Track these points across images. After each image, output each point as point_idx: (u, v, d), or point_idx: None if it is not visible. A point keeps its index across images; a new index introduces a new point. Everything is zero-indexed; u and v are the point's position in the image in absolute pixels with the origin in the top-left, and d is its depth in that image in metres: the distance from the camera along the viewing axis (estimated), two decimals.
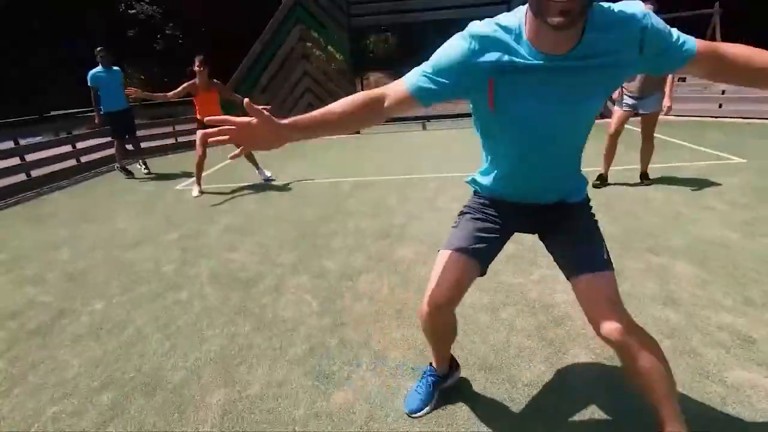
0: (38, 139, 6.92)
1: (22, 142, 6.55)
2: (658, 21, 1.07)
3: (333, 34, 9.30)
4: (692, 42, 1.09)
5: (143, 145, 7.39)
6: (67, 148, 7.31)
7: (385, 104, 1.17)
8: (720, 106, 8.05)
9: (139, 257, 3.44)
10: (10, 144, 6.38)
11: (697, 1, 10.64)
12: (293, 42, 9.06)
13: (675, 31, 1.10)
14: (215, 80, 5.12)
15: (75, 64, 18.63)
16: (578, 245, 1.35)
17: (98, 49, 6.16)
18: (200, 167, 5.18)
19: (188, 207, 4.78)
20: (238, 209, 4.54)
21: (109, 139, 7.03)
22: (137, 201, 5.17)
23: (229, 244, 3.56)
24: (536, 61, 1.06)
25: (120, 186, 6.13)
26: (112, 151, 6.94)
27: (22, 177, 6.43)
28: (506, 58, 1.07)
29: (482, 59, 1.09)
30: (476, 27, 1.11)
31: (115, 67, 6.32)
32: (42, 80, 18.73)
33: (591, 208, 1.44)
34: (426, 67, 1.15)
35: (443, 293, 1.39)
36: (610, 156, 4.40)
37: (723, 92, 8.03)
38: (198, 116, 5.19)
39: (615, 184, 4.42)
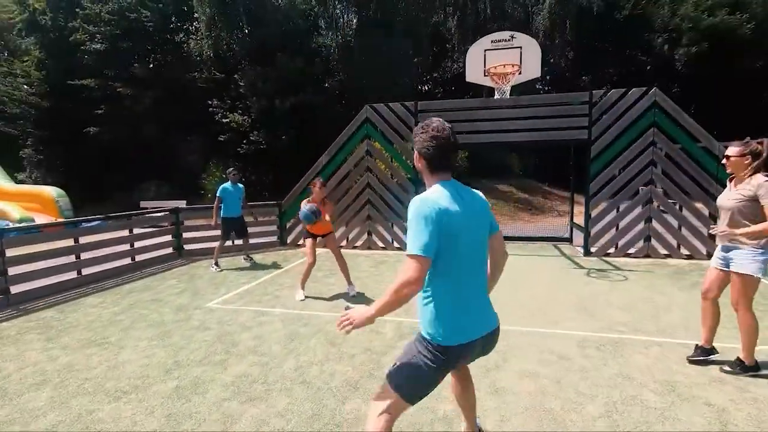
0: (97, 238, 7.04)
1: (82, 239, 6.68)
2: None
3: (399, 151, 9.28)
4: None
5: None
6: (125, 246, 7.41)
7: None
8: None
9: (114, 420, 2.76)
10: (70, 242, 6.52)
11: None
12: (360, 155, 9.10)
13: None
14: (326, 199, 5.65)
15: (169, 160, 20.97)
16: None
17: (231, 169, 7.63)
18: (308, 273, 5.52)
19: (208, 336, 4.20)
20: (259, 351, 3.84)
21: (162, 239, 8.12)
22: (161, 321, 4.71)
23: (225, 416, 2.79)
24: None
25: (157, 294, 5.82)
26: (167, 251, 8.20)
27: (73, 275, 6.44)
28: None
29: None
30: None
31: (240, 184, 7.54)
32: (149, 173, 21.00)
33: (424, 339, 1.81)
34: None
35: None
36: (706, 320, 3.38)
37: None
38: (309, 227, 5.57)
39: (759, 376, 3.14)
